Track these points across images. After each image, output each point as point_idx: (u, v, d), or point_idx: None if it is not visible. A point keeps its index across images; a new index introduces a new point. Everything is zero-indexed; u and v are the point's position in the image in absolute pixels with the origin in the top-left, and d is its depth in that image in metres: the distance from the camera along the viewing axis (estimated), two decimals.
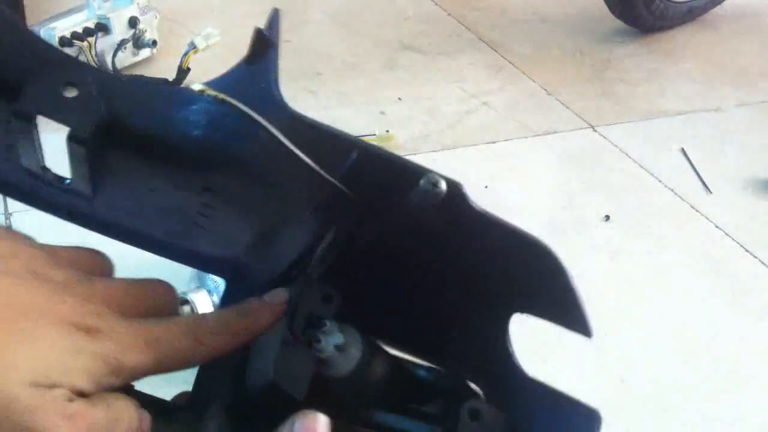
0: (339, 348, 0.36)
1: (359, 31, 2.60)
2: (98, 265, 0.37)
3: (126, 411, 0.32)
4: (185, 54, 2.15)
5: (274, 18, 0.37)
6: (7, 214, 1.68)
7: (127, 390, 0.34)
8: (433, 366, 0.42)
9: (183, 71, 2.03)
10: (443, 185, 0.33)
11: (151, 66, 2.30)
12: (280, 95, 0.35)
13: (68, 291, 0.32)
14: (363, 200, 0.35)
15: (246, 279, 0.41)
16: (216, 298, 1.28)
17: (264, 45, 0.36)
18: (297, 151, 0.34)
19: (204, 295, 1.28)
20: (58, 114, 0.36)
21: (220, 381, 0.37)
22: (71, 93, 0.36)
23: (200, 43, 2.12)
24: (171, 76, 2.02)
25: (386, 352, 0.40)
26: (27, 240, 0.35)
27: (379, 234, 0.37)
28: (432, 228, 0.36)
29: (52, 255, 0.34)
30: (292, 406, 0.34)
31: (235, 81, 0.36)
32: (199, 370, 0.38)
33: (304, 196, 0.37)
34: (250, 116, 0.34)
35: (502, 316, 0.40)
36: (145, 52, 2.30)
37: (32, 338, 0.30)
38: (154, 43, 2.30)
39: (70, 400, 0.30)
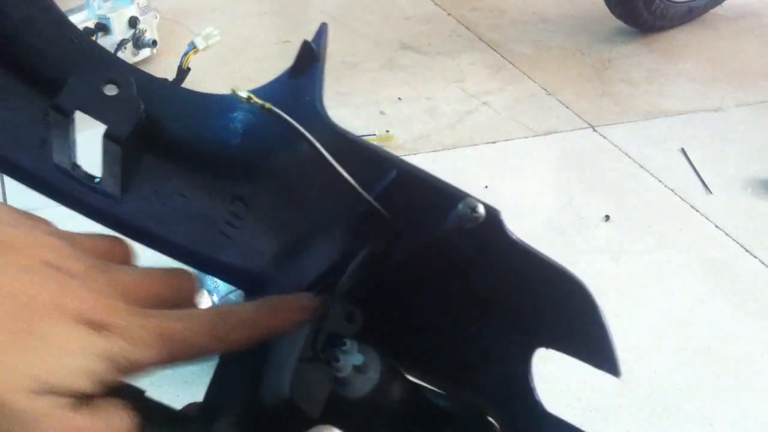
0: (358, 369, 0.35)
1: (359, 31, 2.60)
2: (119, 253, 0.35)
3: (126, 423, 0.31)
4: (185, 54, 2.14)
5: (322, 31, 0.37)
6: None
7: (138, 396, 0.33)
8: (451, 396, 0.42)
9: (183, 71, 2.03)
10: (482, 210, 0.32)
11: (151, 66, 2.30)
12: (323, 109, 0.34)
13: (84, 284, 0.31)
14: (398, 220, 0.35)
15: (266, 292, 0.40)
16: (216, 298, 1.28)
17: (310, 58, 0.35)
18: (338, 166, 0.33)
19: (204, 296, 1.28)
20: (97, 111, 0.35)
21: (232, 392, 0.36)
22: (112, 91, 0.36)
23: (200, 43, 2.12)
24: (171, 76, 2.02)
25: (404, 377, 0.39)
26: (47, 227, 0.34)
27: (410, 255, 0.37)
28: (464, 253, 0.35)
29: (72, 243, 0.33)
30: (306, 424, 0.34)
31: (277, 92, 0.35)
32: (211, 381, 0.37)
33: (339, 213, 0.36)
34: (295, 127, 0.33)
35: (526, 349, 0.39)
36: (145, 52, 2.30)
37: (36, 338, 0.29)
38: (154, 43, 2.30)
39: (72, 408, 0.29)
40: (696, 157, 1.98)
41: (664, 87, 2.33)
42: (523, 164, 1.94)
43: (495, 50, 2.49)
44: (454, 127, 2.08)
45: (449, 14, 2.73)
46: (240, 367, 0.36)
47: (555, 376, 1.36)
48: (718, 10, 2.72)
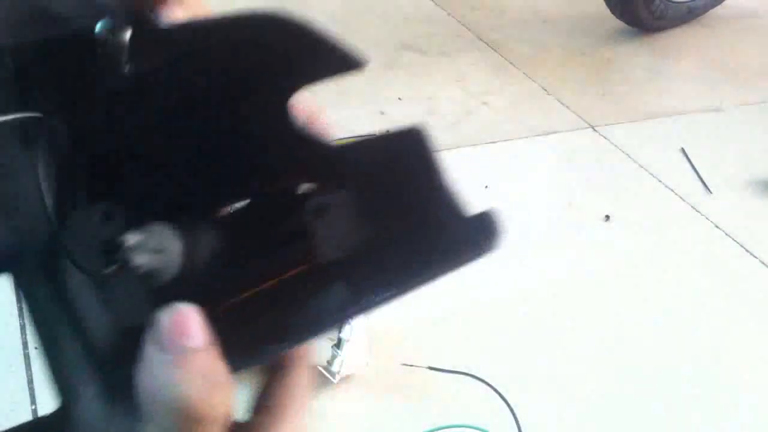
0: (154, 251, 0.30)
1: (359, 31, 2.60)
2: None
3: None
4: None
5: None
6: None
7: None
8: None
9: None
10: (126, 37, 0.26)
11: None
12: None
13: None
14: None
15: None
16: None
17: None
18: None
19: None
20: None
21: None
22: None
23: None
24: None
25: (211, 221, 0.34)
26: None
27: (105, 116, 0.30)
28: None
29: None
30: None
31: None
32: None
33: None
34: None
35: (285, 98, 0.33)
36: None
37: None
38: None
39: None
40: (696, 157, 1.98)
41: (664, 87, 2.33)
42: (523, 164, 1.94)
43: (495, 50, 2.49)
44: (454, 127, 2.08)
45: (449, 14, 2.73)
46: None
47: (555, 376, 1.36)
48: (718, 10, 2.72)
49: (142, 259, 0.30)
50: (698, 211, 1.79)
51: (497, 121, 2.11)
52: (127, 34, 0.26)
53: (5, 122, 0.27)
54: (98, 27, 0.26)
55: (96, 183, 0.31)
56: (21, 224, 0.30)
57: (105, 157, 0.31)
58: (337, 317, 0.32)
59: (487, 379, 1.31)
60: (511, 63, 2.42)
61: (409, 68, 2.38)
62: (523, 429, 1.25)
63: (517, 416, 1.26)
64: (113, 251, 0.29)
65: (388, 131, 0.33)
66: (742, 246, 1.69)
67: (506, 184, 1.85)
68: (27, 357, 1.29)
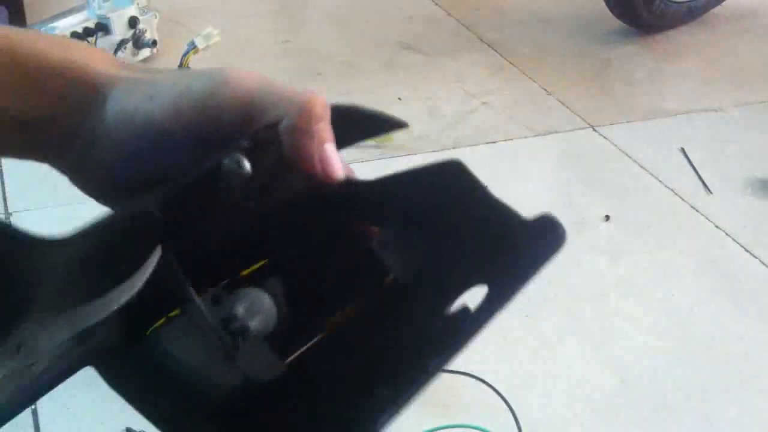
0: (257, 313, 0.35)
1: (359, 31, 2.60)
2: None
3: None
4: (185, 54, 2.15)
5: None
6: (7, 214, 1.68)
7: None
8: None
9: None
10: (247, 167, 0.32)
11: (151, 66, 2.30)
12: None
13: None
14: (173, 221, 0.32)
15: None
16: None
17: None
18: None
19: None
20: None
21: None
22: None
23: (200, 43, 2.12)
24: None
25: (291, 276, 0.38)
26: None
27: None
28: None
29: None
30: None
31: None
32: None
33: None
34: None
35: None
36: (145, 52, 2.30)
37: None
38: (154, 43, 2.30)
39: None
40: (696, 157, 1.98)
41: (664, 87, 2.33)
42: (523, 164, 1.94)
43: (495, 50, 2.49)
44: (454, 127, 2.08)
45: (449, 14, 2.73)
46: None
47: (555, 376, 1.37)
48: (718, 10, 2.72)
49: (254, 323, 0.34)
50: (698, 211, 1.79)
51: (497, 121, 2.11)
52: (247, 167, 0.31)
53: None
54: (225, 162, 0.32)
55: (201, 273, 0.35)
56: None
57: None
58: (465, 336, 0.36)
59: (487, 379, 1.31)
60: (511, 63, 2.42)
61: (409, 68, 2.38)
62: (523, 429, 1.25)
63: (517, 416, 1.26)
64: (232, 325, 0.34)
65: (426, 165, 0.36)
66: (742, 246, 1.69)
67: (506, 184, 1.85)
68: None
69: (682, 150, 2.01)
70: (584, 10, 2.74)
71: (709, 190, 1.87)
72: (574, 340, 1.42)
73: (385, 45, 2.50)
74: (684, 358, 1.41)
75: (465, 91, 2.26)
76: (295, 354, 0.36)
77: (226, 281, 0.36)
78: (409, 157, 1.90)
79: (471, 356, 1.43)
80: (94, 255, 0.29)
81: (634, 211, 1.78)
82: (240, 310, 0.34)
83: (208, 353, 0.33)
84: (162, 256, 0.31)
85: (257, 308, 0.35)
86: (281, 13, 2.80)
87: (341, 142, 0.35)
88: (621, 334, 1.45)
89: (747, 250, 1.68)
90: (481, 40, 2.56)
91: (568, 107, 2.19)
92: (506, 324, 1.44)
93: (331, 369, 0.35)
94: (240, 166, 0.32)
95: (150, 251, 0.31)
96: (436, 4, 2.79)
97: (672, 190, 1.86)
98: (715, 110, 2.22)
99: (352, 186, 0.36)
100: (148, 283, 0.31)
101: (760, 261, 1.65)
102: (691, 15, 2.64)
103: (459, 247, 0.36)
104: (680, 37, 2.61)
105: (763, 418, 1.31)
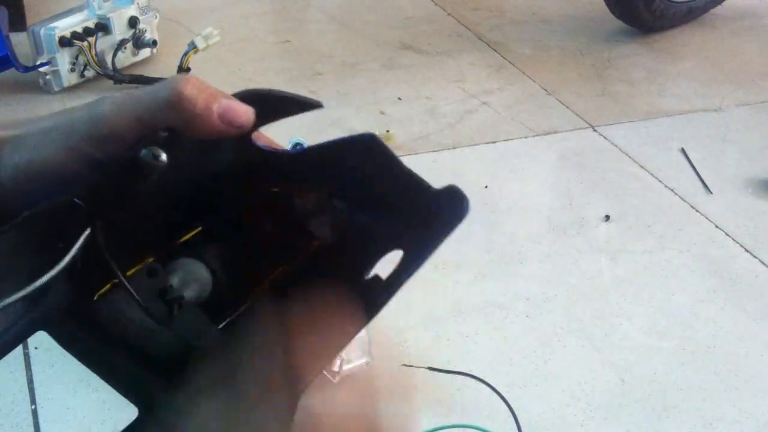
0: (193, 282, 0.37)
1: (359, 31, 2.60)
2: None
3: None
4: (185, 54, 2.15)
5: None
6: None
7: None
8: None
9: (183, 71, 2.03)
10: (164, 158, 0.33)
11: (151, 66, 2.30)
12: None
13: None
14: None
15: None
16: None
17: None
18: None
19: None
20: None
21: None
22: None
23: (200, 43, 2.12)
24: (171, 75, 2.02)
25: (219, 240, 0.40)
26: None
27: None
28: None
29: None
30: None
31: None
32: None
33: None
34: None
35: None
36: (145, 52, 2.30)
37: None
38: (154, 43, 2.30)
39: None
40: (696, 157, 1.98)
41: (664, 87, 2.33)
42: (523, 164, 1.94)
43: (495, 50, 2.49)
44: (454, 127, 2.08)
45: (449, 14, 2.73)
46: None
47: (555, 376, 1.36)
48: (718, 10, 2.72)
49: (189, 293, 0.36)
50: (698, 211, 1.79)
51: (497, 121, 2.11)
52: (164, 157, 0.33)
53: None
54: (143, 153, 0.33)
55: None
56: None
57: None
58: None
59: (487, 379, 1.31)
60: (511, 63, 2.42)
61: (409, 68, 2.38)
62: (523, 429, 1.25)
63: (517, 416, 1.26)
64: (167, 295, 0.36)
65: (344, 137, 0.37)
66: (742, 246, 1.69)
67: (506, 184, 1.85)
68: (27, 357, 1.29)
69: (682, 150, 2.01)
70: (584, 10, 2.74)
71: (709, 190, 1.87)
72: (574, 340, 1.42)
73: (385, 45, 2.50)
74: (684, 358, 1.41)
75: (465, 90, 2.26)
76: (226, 320, 0.38)
77: (164, 251, 0.38)
78: (410, 157, 1.90)
79: (471, 356, 1.44)
80: (28, 240, 0.32)
81: (634, 211, 1.78)
82: (175, 280, 0.36)
83: (147, 320, 0.35)
84: (90, 238, 0.33)
85: (192, 277, 0.37)
86: (281, 13, 2.80)
87: (260, 122, 0.36)
88: (621, 334, 1.45)
89: (747, 250, 1.68)
90: (481, 39, 2.56)
91: (568, 107, 2.19)
92: (506, 324, 1.44)
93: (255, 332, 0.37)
94: (156, 157, 0.33)
95: (77, 234, 0.33)
96: (436, 3, 2.79)
97: (672, 190, 1.86)
98: (715, 110, 2.22)
99: (276, 156, 0.38)
100: (90, 254, 0.33)
101: (760, 261, 1.65)
102: (691, 15, 2.64)
103: (376, 213, 0.38)
104: (680, 37, 2.61)
105: (763, 419, 1.31)
